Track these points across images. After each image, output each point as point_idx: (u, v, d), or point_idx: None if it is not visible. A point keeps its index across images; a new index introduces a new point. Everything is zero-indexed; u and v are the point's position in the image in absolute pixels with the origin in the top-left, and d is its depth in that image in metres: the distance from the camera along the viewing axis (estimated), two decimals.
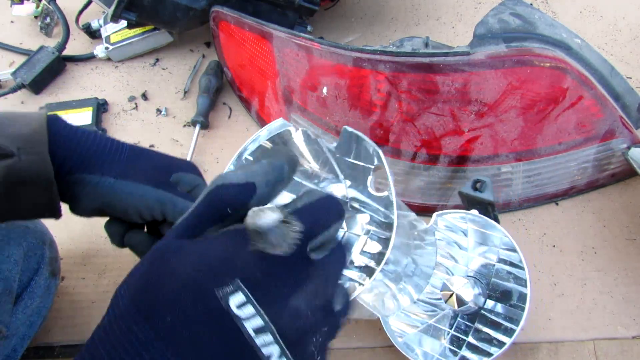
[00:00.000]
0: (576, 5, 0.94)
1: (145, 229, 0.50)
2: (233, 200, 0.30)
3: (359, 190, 0.57)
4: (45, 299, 0.59)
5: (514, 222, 0.71)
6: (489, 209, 0.60)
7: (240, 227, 0.29)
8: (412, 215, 0.56)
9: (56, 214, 0.45)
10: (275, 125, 0.54)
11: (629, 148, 0.66)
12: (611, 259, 0.67)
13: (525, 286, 0.57)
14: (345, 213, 0.31)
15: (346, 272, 0.57)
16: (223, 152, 0.81)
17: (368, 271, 0.56)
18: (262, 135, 0.54)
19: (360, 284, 0.56)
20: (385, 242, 0.57)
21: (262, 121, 0.82)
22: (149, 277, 0.27)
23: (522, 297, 0.57)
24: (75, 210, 0.46)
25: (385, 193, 0.53)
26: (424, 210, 0.72)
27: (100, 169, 0.44)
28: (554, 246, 0.69)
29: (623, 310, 0.63)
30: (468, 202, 0.61)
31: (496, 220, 0.60)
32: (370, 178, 0.54)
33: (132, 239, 0.48)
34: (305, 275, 0.28)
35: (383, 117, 0.63)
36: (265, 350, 0.25)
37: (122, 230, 0.48)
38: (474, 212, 0.60)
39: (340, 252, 0.31)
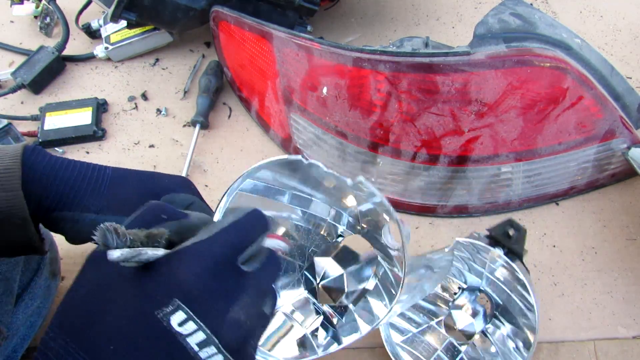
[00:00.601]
0: (576, 5, 0.94)
1: None
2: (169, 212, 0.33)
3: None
4: (45, 300, 0.59)
5: None
6: (516, 254, 0.54)
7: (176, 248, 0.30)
8: (430, 256, 0.55)
9: (39, 251, 0.44)
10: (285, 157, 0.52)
11: (629, 148, 0.66)
12: (611, 259, 0.67)
13: (534, 332, 0.53)
14: (269, 227, 0.33)
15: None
16: (223, 152, 0.81)
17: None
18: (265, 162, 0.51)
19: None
20: (390, 295, 0.56)
21: (262, 121, 0.82)
22: (87, 308, 0.28)
23: (527, 342, 0.55)
24: (67, 240, 0.46)
25: (397, 245, 0.52)
26: (424, 211, 0.72)
27: (79, 205, 0.43)
28: (554, 246, 0.69)
29: (623, 310, 0.63)
30: (494, 241, 0.55)
31: (525, 268, 0.55)
32: (385, 228, 0.54)
33: None
34: (241, 287, 0.29)
35: (383, 117, 0.63)
36: None
37: None
38: (499, 251, 0.54)
39: (272, 261, 0.33)
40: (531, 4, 0.81)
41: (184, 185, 0.48)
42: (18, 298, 0.54)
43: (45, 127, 0.81)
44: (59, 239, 0.64)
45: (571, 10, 0.94)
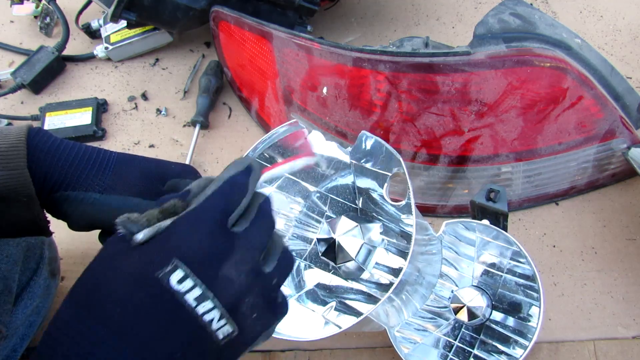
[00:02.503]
0: (576, 5, 0.94)
1: None
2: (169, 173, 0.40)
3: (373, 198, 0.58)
4: (44, 299, 0.59)
5: (514, 222, 0.71)
6: (500, 219, 0.58)
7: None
8: (425, 222, 0.56)
9: (44, 231, 0.45)
10: (287, 126, 0.55)
11: (629, 148, 0.66)
12: (611, 259, 0.67)
13: (538, 300, 0.55)
14: (245, 188, 0.35)
15: (360, 286, 0.57)
16: (223, 152, 0.81)
17: (382, 287, 0.56)
18: (278, 133, 0.55)
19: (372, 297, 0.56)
20: (402, 254, 0.57)
21: (262, 121, 0.82)
22: (95, 279, 0.31)
23: (534, 311, 0.55)
24: (69, 226, 0.46)
25: (402, 202, 0.54)
26: (424, 211, 0.72)
27: (84, 184, 0.43)
28: (554, 246, 0.69)
29: (623, 310, 0.63)
30: (479, 212, 0.59)
31: (505, 229, 0.58)
32: (386, 186, 0.55)
33: None
34: (230, 246, 0.31)
35: (383, 117, 0.63)
36: (206, 317, 0.29)
37: None
38: (485, 222, 0.58)
39: (263, 220, 0.34)
40: (531, 4, 0.81)
41: (189, 171, 0.48)
42: (17, 297, 0.54)
43: (45, 127, 0.81)
44: (58, 239, 0.64)
45: (571, 10, 0.94)
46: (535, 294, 0.56)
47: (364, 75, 0.61)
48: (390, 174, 0.54)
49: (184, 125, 0.84)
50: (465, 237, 0.61)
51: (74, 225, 0.45)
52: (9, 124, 0.76)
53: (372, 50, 0.59)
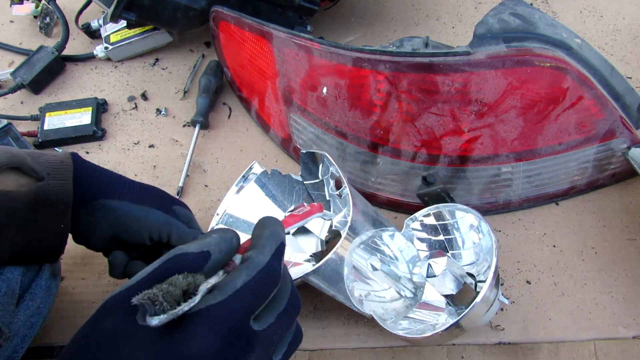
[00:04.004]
0: (576, 5, 0.94)
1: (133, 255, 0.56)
2: (190, 266, 0.33)
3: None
4: (46, 300, 0.59)
5: (514, 222, 0.71)
6: (446, 199, 0.63)
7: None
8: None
9: (61, 244, 0.50)
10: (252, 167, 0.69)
11: (629, 148, 0.66)
12: (611, 259, 0.67)
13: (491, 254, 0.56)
14: (279, 278, 0.34)
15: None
16: (223, 152, 0.81)
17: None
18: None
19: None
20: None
21: (262, 121, 0.82)
22: (91, 356, 0.29)
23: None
24: (90, 238, 0.52)
25: (345, 188, 0.60)
26: None
27: (119, 194, 0.51)
28: (554, 246, 0.69)
29: (623, 310, 0.63)
30: (429, 200, 0.64)
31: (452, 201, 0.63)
32: (331, 183, 0.65)
33: (133, 269, 0.53)
34: (249, 349, 0.31)
35: (383, 117, 0.63)
36: None
37: (125, 261, 0.53)
38: (435, 206, 0.62)
39: (290, 312, 0.35)
40: (531, 4, 0.81)
41: (186, 206, 0.57)
42: (19, 299, 0.54)
43: (45, 127, 0.81)
44: None
45: (571, 10, 0.94)
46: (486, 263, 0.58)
47: (364, 75, 0.61)
48: (328, 176, 0.65)
49: (184, 125, 0.84)
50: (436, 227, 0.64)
51: (97, 236, 0.51)
52: (9, 124, 0.76)
53: (372, 50, 0.59)
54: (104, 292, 0.67)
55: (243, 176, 0.69)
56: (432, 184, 0.62)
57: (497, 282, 0.55)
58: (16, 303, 0.53)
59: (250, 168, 0.69)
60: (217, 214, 0.67)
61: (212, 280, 0.32)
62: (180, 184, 0.76)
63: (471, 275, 0.60)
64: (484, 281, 0.54)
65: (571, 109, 0.61)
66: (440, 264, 0.56)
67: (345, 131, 0.67)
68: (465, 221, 0.61)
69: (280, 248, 0.35)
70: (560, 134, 0.63)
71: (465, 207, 0.60)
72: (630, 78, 0.83)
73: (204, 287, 0.31)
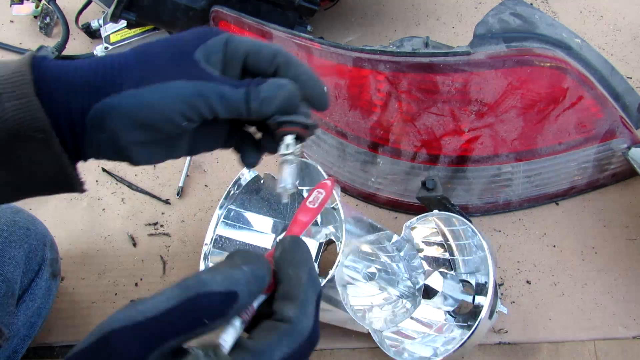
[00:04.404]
0: (576, 5, 0.94)
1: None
2: (213, 311, 0.28)
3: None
4: (45, 300, 0.59)
5: (514, 222, 0.71)
6: (447, 205, 0.61)
7: None
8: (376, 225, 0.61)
9: (71, 181, 0.36)
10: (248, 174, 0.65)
11: (629, 148, 0.66)
12: (612, 259, 0.67)
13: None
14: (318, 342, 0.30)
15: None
16: (223, 152, 0.81)
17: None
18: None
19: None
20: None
21: None
22: None
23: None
24: (133, 156, 0.36)
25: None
26: (425, 211, 0.72)
27: (112, 87, 0.34)
28: (555, 246, 0.69)
29: (623, 310, 0.63)
30: (429, 204, 0.62)
31: (456, 212, 0.61)
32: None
33: (247, 157, 0.42)
34: None
35: (383, 117, 0.63)
36: None
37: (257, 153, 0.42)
38: (435, 212, 0.60)
39: None
40: (531, 4, 0.81)
41: (206, 34, 0.37)
42: (19, 299, 0.54)
43: None
44: (58, 239, 0.64)
45: (571, 10, 0.94)
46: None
47: (364, 75, 0.61)
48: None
49: None
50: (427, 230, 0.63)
51: (135, 152, 0.36)
52: None
53: (372, 50, 0.59)
54: (104, 291, 0.67)
55: (228, 193, 0.65)
56: (431, 189, 0.61)
57: (496, 293, 0.54)
58: (16, 304, 0.53)
59: (237, 180, 0.65)
60: (206, 244, 0.63)
61: (230, 340, 0.28)
62: (180, 184, 0.76)
63: (469, 283, 0.60)
64: (484, 293, 0.53)
65: (571, 109, 0.61)
66: (436, 284, 0.56)
67: (345, 131, 0.67)
68: (464, 231, 0.60)
69: (319, 299, 0.30)
70: (560, 134, 0.63)
71: (462, 219, 0.58)
72: (630, 78, 0.83)
73: None
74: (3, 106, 0.32)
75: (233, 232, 0.65)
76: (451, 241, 0.61)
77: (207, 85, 0.34)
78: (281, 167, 0.36)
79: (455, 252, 0.61)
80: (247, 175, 0.66)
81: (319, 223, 0.65)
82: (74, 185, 0.36)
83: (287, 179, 0.35)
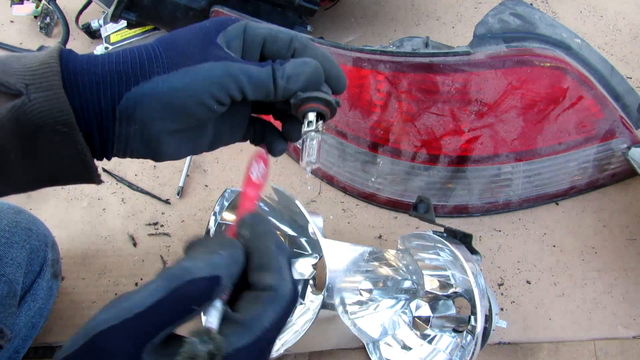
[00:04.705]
0: (576, 5, 0.94)
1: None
2: (200, 297, 0.29)
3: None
4: (47, 301, 0.59)
5: (514, 222, 0.71)
6: (441, 234, 0.59)
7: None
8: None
9: (91, 174, 0.36)
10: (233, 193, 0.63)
11: (629, 148, 0.66)
12: (611, 259, 0.67)
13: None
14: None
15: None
16: (223, 152, 0.81)
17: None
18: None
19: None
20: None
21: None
22: None
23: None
24: (159, 151, 0.37)
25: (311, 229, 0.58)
26: None
27: (143, 75, 0.34)
28: (554, 246, 0.69)
29: (623, 310, 0.63)
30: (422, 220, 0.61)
31: (454, 235, 0.58)
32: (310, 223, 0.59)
33: (272, 138, 0.42)
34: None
35: (383, 117, 0.63)
36: None
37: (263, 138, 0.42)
38: (430, 232, 0.59)
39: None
40: (531, 4, 0.81)
41: (222, 22, 0.38)
42: (21, 300, 0.54)
43: None
44: (59, 239, 0.64)
45: (571, 10, 0.94)
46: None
47: (364, 75, 0.61)
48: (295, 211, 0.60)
49: None
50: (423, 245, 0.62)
51: (166, 143, 0.36)
52: None
53: (372, 50, 0.59)
54: (104, 291, 0.68)
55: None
56: (423, 213, 0.58)
57: (491, 316, 0.53)
58: (18, 304, 0.53)
59: (223, 196, 0.65)
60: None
61: (216, 322, 0.30)
62: (181, 184, 0.76)
63: (465, 298, 0.59)
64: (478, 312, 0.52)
65: (571, 109, 0.61)
66: (424, 317, 0.57)
67: (345, 131, 0.67)
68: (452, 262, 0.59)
69: (290, 262, 0.32)
70: (560, 134, 0.63)
71: (450, 247, 0.55)
72: (630, 78, 0.83)
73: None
74: (29, 97, 0.32)
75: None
76: (445, 258, 0.61)
77: (234, 65, 0.35)
78: (305, 144, 0.37)
79: (449, 267, 0.60)
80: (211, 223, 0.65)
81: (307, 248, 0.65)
82: (93, 177, 0.36)
83: (312, 154, 0.36)
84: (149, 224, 0.73)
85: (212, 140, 0.40)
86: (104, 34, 0.91)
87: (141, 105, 0.34)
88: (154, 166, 0.79)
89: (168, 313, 0.28)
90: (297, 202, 0.57)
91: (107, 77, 0.34)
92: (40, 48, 0.89)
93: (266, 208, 0.65)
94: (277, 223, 0.65)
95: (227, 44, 0.36)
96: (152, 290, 0.28)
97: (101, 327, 0.27)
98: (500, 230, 0.71)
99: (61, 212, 0.75)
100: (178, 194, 0.76)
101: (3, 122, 0.32)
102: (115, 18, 0.78)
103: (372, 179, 0.71)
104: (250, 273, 0.32)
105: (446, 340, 0.58)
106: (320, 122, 0.37)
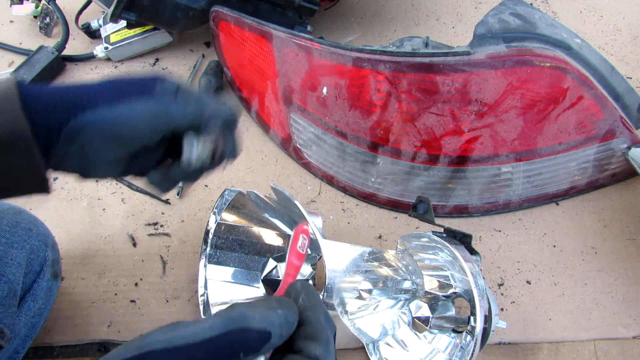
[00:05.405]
0: (576, 5, 0.94)
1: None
2: (249, 347, 0.32)
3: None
4: (47, 301, 0.59)
5: (514, 222, 0.71)
6: (441, 234, 0.59)
7: None
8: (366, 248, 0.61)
9: (44, 184, 0.40)
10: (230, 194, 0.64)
11: (629, 148, 0.66)
12: (612, 259, 0.67)
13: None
14: None
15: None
16: None
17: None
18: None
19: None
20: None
21: (261, 121, 0.82)
22: None
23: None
24: (92, 169, 0.42)
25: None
26: None
27: (88, 104, 0.40)
28: (555, 246, 0.69)
29: (623, 310, 0.63)
30: (421, 220, 0.61)
31: (453, 235, 0.58)
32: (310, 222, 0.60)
33: (174, 176, 0.46)
34: None
35: (383, 117, 0.63)
36: None
37: (162, 176, 0.46)
38: (430, 232, 0.59)
39: None
40: (531, 4, 0.81)
41: (161, 77, 0.46)
42: (21, 300, 0.54)
43: None
44: (58, 239, 0.64)
45: (571, 10, 0.94)
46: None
47: (364, 75, 0.61)
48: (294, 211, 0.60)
49: None
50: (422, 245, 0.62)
51: (99, 161, 0.41)
52: None
53: (372, 50, 0.59)
54: (104, 291, 0.67)
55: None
56: (423, 214, 0.59)
57: (490, 316, 0.53)
58: (18, 304, 0.53)
59: (222, 195, 0.64)
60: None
61: None
62: (181, 184, 0.76)
63: (465, 298, 0.59)
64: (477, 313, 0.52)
65: (571, 109, 0.61)
66: (423, 317, 0.57)
67: (345, 131, 0.67)
68: (451, 263, 0.59)
69: (335, 337, 0.36)
70: (560, 134, 0.63)
71: (449, 248, 0.55)
72: (630, 78, 0.83)
73: None
74: None
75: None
76: (445, 258, 0.61)
77: (167, 103, 0.42)
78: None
79: (448, 267, 0.60)
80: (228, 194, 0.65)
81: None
82: (42, 184, 0.41)
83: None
84: (149, 224, 0.73)
85: (134, 168, 0.45)
86: (103, 34, 0.91)
87: (84, 129, 0.39)
88: None
89: (216, 352, 0.30)
90: (296, 202, 0.57)
91: (57, 104, 0.39)
92: (40, 48, 0.89)
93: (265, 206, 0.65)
94: (277, 222, 0.65)
95: (162, 91, 0.43)
96: (209, 327, 0.31)
97: (154, 347, 0.30)
98: (500, 230, 0.71)
99: (61, 212, 0.75)
100: (178, 194, 0.76)
101: None
102: (115, 18, 0.78)
103: (372, 179, 0.71)
104: (298, 339, 0.35)
105: (445, 341, 0.58)
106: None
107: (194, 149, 0.44)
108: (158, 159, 0.47)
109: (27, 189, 0.41)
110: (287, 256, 0.47)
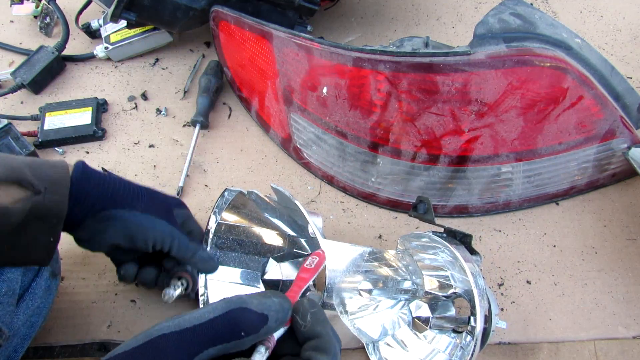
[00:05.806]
0: (576, 5, 0.94)
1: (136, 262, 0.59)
2: (250, 326, 0.35)
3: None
4: (45, 300, 0.59)
5: (514, 222, 0.71)
6: (441, 234, 0.59)
7: None
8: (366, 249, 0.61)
9: (50, 255, 0.49)
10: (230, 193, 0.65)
11: (629, 148, 0.66)
12: (612, 259, 0.67)
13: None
14: None
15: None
16: (223, 152, 0.81)
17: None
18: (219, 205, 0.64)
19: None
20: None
21: (262, 121, 0.82)
22: None
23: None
24: (95, 244, 0.52)
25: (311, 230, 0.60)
26: None
27: (127, 204, 0.51)
28: (555, 246, 0.69)
29: (624, 310, 0.63)
30: (421, 220, 0.62)
31: (453, 234, 0.58)
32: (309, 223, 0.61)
33: (145, 276, 0.57)
34: None
35: (383, 117, 0.63)
36: None
37: (135, 270, 0.57)
38: (430, 232, 0.59)
39: None
40: (531, 4, 0.81)
41: (181, 203, 0.60)
42: (19, 298, 0.54)
43: (45, 127, 0.81)
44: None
45: (571, 10, 0.94)
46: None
47: (364, 75, 0.61)
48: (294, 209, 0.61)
49: (184, 125, 0.84)
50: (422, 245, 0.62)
51: (102, 242, 0.51)
52: (9, 124, 0.76)
53: (372, 50, 0.59)
54: (104, 292, 0.67)
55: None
56: (423, 214, 0.60)
57: (490, 316, 0.53)
58: (16, 303, 0.53)
59: (222, 195, 0.64)
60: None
61: None
62: (180, 184, 0.76)
63: (465, 298, 0.59)
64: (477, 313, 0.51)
65: (571, 108, 0.61)
66: (423, 317, 0.57)
67: (345, 131, 0.67)
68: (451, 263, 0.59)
69: (340, 350, 0.39)
70: (560, 134, 0.63)
71: (450, 248, 0.55)
72: (630, 78, 0.83)
73: None
74: (44, 197, 0.46)
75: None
76: (444, 258, 0.61)
77: (175, 231, 0.54)
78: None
79: (448, 267, 0.60)
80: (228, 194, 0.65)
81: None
82: (46, 259, 0.49)
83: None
84: None
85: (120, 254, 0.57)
86: (103, 34, 0.92)
87: (116, 219, 0.50)
88: (154, 166, 0.79)
89: (221, 330, 0.34)
90: (296, 202, 0.57)
91: (105, 193, 0.51)
92: (40, 48, 0.89)
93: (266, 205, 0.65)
94: (278, 222, 0.65)
95: (177, 215, 0.57)
96: (211, 309, 0.35)
97: (164, 331, 0.33)
98: (500, 230, 0.71)
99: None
100: (178, 194, 0.76)
101: (22, 210, 0.45)
102: (115, 18, 0.78)
103: (372, 179, 0.71)
104: (307, 350, 0.38)
105: (446, 341, 0.58)
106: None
107: (176, 293, 0.55)
108: (137, 257, 0.58)
109: (34, 257, 0.48)
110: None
